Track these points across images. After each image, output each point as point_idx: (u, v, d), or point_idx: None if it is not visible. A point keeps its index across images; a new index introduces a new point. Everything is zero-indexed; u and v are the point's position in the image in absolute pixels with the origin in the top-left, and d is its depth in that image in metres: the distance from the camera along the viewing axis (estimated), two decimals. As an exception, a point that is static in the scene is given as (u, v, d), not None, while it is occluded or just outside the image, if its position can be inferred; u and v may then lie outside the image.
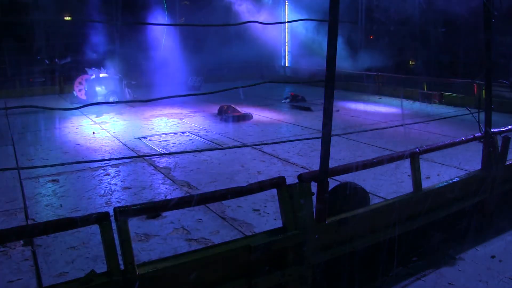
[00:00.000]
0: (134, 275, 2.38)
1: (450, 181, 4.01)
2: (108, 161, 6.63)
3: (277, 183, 2.91)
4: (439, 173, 5.85)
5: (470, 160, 6.33)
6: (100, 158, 6.94)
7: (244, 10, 17.64)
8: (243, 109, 10.85)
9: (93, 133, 9.06)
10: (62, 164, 4.91)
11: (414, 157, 3.66)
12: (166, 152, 7.42)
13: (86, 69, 13.39)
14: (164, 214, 4.63)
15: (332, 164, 3.05)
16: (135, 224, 4.34)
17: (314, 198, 3.00)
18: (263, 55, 18.22)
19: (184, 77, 16.37)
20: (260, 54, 17.77)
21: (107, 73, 13.17)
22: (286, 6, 19.78)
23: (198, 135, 8.69)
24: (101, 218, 2.30)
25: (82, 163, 6.47)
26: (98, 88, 12.76)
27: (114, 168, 6.42)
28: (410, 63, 16.27)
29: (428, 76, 13.48)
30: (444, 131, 8.52)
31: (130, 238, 2.37)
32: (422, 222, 3.75)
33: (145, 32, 16.82)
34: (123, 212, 2.35)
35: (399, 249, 3.60)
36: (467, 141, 4.18)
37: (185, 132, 9.00)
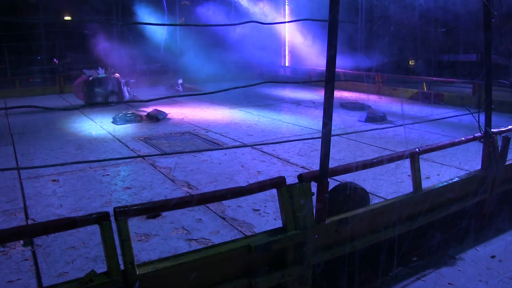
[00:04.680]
0: (134, 275, 2.38)
1: (450, 181, 4.01)
2: (108, 161, 6.63)
3: (277, 183, 2.91)
4: (439, 173, 5.85)
5: (470, 160, 6.33)
6: (100, 158, 6.93)
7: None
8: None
9: (93, 133, 9.06)
10: (62, 164, 4.90)
11: (414, 157, 3.66)
12: (166, 152, 7.42)
13: (84, 70, 13.38)
14: (164, 214, 4.63)
15: (332, 164, 3.05)
16: (135, 224, 4.34)
17: (314, 198, 3.00)
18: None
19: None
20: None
21: (105, 73, 13.16)
22: (286, 6, 19.77)
23: (198, 135, 8.69)
24: (101, 218, 2.30)
25: (82, 163, 6.47)
26: (97, 89, 12.74)
27: (114, 168, 6.42)
28: (410, 63, 16.29)
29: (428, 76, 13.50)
30: (443, 131, 8.52)
31: (130, 238, 2.37)
32: (422, 222, 3.75)
33: (145, 32, 16.85)
34: (123, 212, 2.35)
35: (399, 249, 3.60)
36: (467, 141, 4.18)
37: (185, 132, 9.00)
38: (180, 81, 15.95)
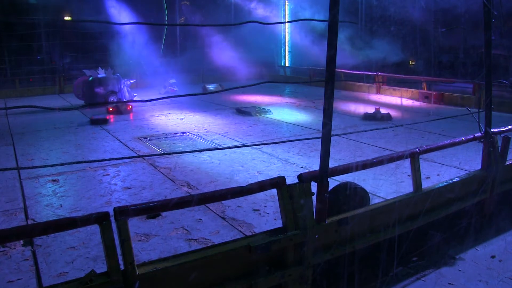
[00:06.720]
0: (134, 275, 2.38)
1: (450, 181, 4.00)
2: (108, 161, 6.63)
3: (277, 183, 2.91)
4: (439, 173, 5.85)
5: (470, 160, 6.33)
6: (100, 158, 6.93)
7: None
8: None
9: (93, 133, 9.07)
10: (62, 164, 4.91)
11: (414, 157, 3.66)
12: (166, 152, 7.42)
13: (84, 70, 13.37)
14: (164, 214, 4.63)
15: (332, 164, 3.05)
16: (135, 224, 4.34)
17: (314, 198, 3.00)
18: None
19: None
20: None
21: (105, 73, 13.16)
22: (286, 6, 19.77)
23: (198, 135, 8.69)
24: (101, 218, 2.30)
25: (82, 163, 6.47)
26: (97, 89, 12.73)
27: (114, 168, 6.42)
28: (410, 63, 16.28)
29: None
30: (444, 131, 8.52)
31: (130, 238, 2.37)
32: (422, 222, 3.75)
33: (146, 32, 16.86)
34: (123, 212, 2.35)
35: (399, 249, 3.60)
36: (467, 141, 4.18)
37: (185, 132, 9.00)
38: (173, 80, 15.86)
